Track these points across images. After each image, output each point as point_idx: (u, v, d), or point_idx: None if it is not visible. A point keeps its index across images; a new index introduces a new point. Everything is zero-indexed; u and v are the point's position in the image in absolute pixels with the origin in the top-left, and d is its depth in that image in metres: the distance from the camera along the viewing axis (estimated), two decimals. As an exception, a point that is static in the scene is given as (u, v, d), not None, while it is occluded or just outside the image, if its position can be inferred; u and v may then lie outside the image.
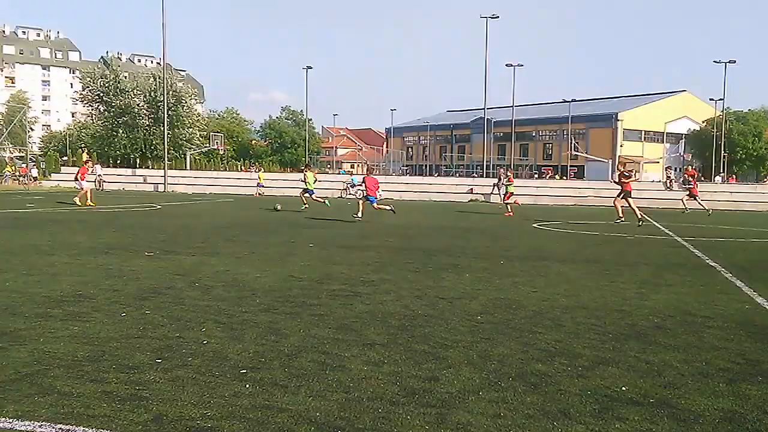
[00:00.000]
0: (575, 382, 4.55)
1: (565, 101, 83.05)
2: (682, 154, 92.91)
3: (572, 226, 20.35)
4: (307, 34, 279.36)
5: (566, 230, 18.80)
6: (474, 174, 72.24)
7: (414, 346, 5.37)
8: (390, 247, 13.09)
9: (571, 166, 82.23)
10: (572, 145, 76.89)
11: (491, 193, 41.06)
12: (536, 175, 75.48)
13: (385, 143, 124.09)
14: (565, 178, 63.52)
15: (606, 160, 66.35)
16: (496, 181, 41.29)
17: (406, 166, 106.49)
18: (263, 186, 42.70)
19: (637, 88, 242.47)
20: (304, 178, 25.93)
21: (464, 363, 4.94)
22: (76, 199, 24.92)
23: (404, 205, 34.78)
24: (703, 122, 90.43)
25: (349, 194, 41.69)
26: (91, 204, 24.75)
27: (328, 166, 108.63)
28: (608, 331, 6.06)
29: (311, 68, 67.95)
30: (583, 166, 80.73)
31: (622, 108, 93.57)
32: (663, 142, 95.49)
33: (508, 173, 30.02)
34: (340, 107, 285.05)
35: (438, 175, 74.11)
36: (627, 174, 21.03)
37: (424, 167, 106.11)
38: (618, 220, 20.51)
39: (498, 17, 53.78)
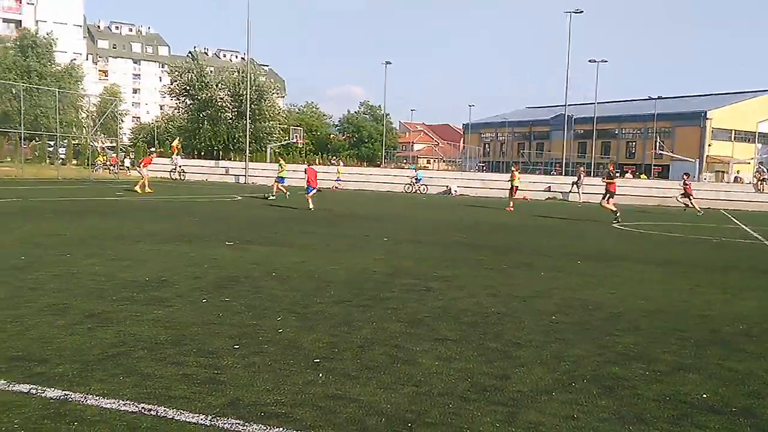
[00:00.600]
0: (652, 387, 4.43)
1: (651, 98, 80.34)
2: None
3: (654, 227, 19.70)
4: (386, 29, 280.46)
5: (648, 231, 18.21)
6: (552, 172, 70.84)
7: (486, 344, 5.34)
8: (463, 243, 13.03)
9: (655, 165, 79.48)
10: (657, 143, 74.30)
11: (570, 191, 40.22)
12: (618, 174, 73.27)
13: (461, 139, 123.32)
14: (645, 176, 61.31)
15: (692, 160, 63.86)
16: (575, 179, 40.47)
17: (483, 162, 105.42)
18: (341, 180, 43.24)
19: (728, 85, 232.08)
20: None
21: (537, 362, 4.88)
22: (137, 188, 26.01)
23: (478, 201, 34.50)
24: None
25: (415, 190, 41.90)
26: (150, 192, 25.78)
27: (405, 161, 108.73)
28: (689, 337, 5.86)
29: (390, 63, 68.26)
30: (668, 165, 77.88)
31: (712, 106, 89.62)
32: (755, 143, 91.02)
33: (513, 169, 30.63)
34: (418, 102, 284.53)
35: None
36: (611, 175, 21.90)
37: (500, 164, 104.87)
38: (615, 221, 20.28)
39: (582, 12, 52.47)
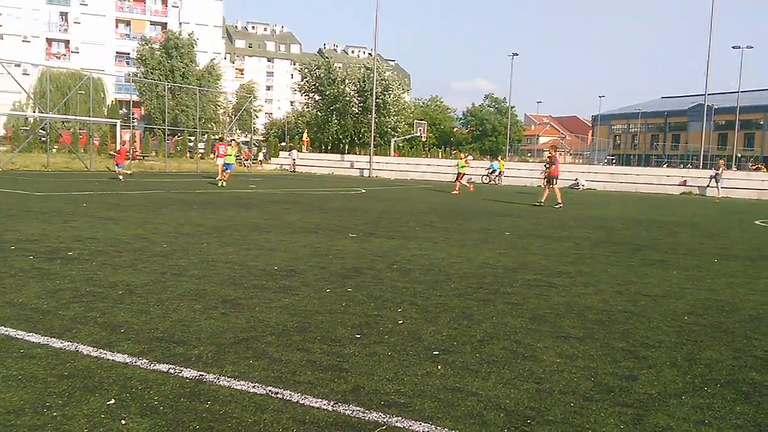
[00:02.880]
0: (796, 396, 4.11)
1: (803, 85, 73.96)
2: None
3: (804, 225, 18.18)
4: (513, 21, 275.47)
5: (796, 229, 16.85)
6: (689, 165, 66.92)
7: (612, 343, 5.17)
8: (590, 239, 12.62)
9: (805, 157, 73.23)
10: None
11: (708, 186, 37.91)
12: (759, 167, 68.15)
13: (590, 131, 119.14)
14: (765, 169, 56.33)
15: None
16: (713, 173, 38.09)
17: (612, 155, 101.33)
18: (503, 174, 43.45)
19: None
20: (238, 153, 26.61)
21: (667, 364, 4.66)
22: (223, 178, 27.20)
23: (607, 196, 33.24)
24: None
25: (491, 181, 42.86)
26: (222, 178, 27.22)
27: (530, 154, 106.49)
28: (841, 344, 5.38)
29: (517, 55, 67.01)
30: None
31: None
32: None
33: (462, 154, 31.82)
34: (544, 94, 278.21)
35: (647, 166, 69.70)
36: (552, 160, 22.35)
37: (632, 157, 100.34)
38: (558, 205, 21.02)
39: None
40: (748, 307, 6.73)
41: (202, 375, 4.07)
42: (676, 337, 5.40)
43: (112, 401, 3.61)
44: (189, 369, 4.16)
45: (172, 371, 4.11)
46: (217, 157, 31.18)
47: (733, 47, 58.79)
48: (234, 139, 32.59)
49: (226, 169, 26.96)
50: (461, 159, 29.83)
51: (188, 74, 67.24)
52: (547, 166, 22.78)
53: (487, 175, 43.55)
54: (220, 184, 26.00)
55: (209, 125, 66.14)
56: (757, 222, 18.56)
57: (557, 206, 20.95)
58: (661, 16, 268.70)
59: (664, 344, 5.19)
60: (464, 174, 29.06)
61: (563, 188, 39.37)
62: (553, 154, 22.94)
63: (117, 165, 28.01)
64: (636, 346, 5.09)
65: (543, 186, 23.39)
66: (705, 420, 3.67)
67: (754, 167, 59.65)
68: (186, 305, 5.82)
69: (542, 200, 22.02)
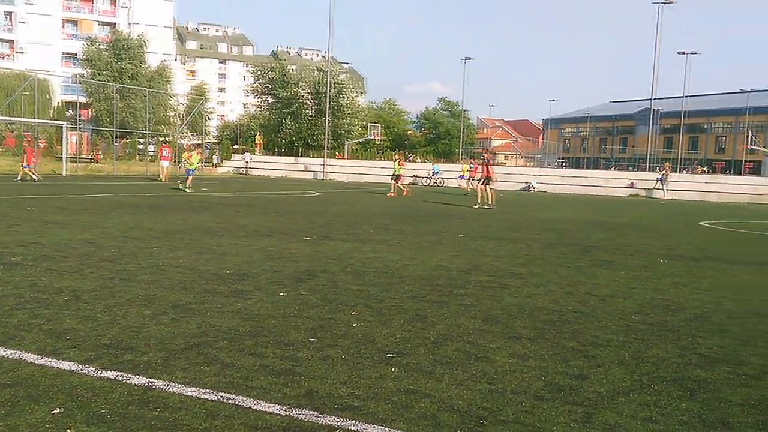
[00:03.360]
0: (738, 391, 4.25)
1: (744, 91, 76.63)
2: None
3: (744, 226, 18.82)
4: (466, 25, 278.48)
5: (738, 230, 17.42)
6: (636, 168, 68.60)
7: (562, 343, 5.25)
8: (541, 240, 12.81)
9: (746, 161, 75.81)
10: (749, 138, 70.81)
11: (654, 188, 38.91)
12: (706, 170, 70.24)
13: (541, 135, 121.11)
14: (707, 171, 58.03)
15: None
16: (660, 175, 39.14)
17: (563, 158, 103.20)
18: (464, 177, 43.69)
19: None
20: (188, 159, 26.78)
21: (615, 363, 4.76)
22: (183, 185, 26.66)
23: (558, 198, 33.84)
24: None
25: (432, 183, 43.65)
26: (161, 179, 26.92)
27: (481, 157, 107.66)
28: (780, 340, 5.58)
29: (470, 59, 67.60)
30: (761, 161, 74.10)
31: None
32: None
33: (397, 155, 32.20)
34: (497, 98, 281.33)
35: (596, 169, 71.19)
36: (488, 161, 23.27)
37: (581, 160, 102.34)
38: (489, 207, 21.55)
39: (672, 2, 50.47)
40: (693, 306, 6.92)
41: (151, 382, 3.98)
42: (624, 336, 5.52)
43: (58, 410, 3.51)
44: (138, 376, 4.08)
45: (120, 378, 4.02)
46: (161, 159, 32.42)
47: (678, 53, 60.59)
48: (200, 144, 31.90)
49: (188, 174, 26.31)
50: (396, 160, 29.73)
51: (138, 75, 65.88)
52: (471, 167, 24.34)
53: (429, 177, 44.32)
54: (182, 188, 25.29)
55: (160, 127, 65.00)
56: (701, 223, 19.13)
57: (489, 208, 21.39)
58: (610, 22, 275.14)
59: (613, 343, 5.29)
60: (402, 176, 29.07)
61: (515, 191, 40.01)
62: (487, 156, 23.83)
63: (25, 166, 27.44)
64: (586, 346, 5.19)
65: (475, 188, 24.17)
66: (652, 417, 3.75)
67: (701, 171, 61.51)
68: (135, 311, 5.70)
69: (479, 202, 22.49)
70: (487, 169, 22.54)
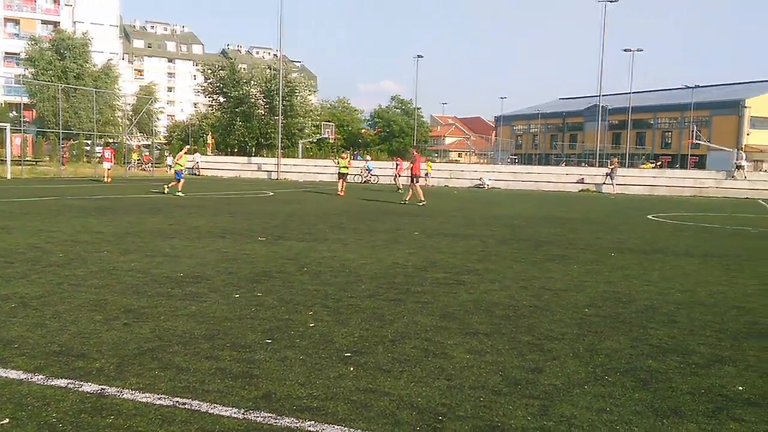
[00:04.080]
0: (688, 380, 4.37)
1: (687, 87, 78.83)
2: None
3: (690, 218, 19.37)
4: (418, 23, 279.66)
5: (684, 222, 17.91)
6: (586, 164, 69.98)
7: (518, 337, 5.32)
8: (495, 236, 12.96)
9: (691, 155, 78.03)
10: (693, 133, 72.90)
11: (603, 183, 39.74)
12: (654, 164, 72.09)
13: (493, 132, 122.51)
14: (654, 165, 59.63)
15: (730, 150, 62.41)
16: (608, 170, 40.01)
17: (515, 155, 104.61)
18: (429, 176, 43.29)
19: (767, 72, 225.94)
20: (177, 160, 26.64)
21: (570, 356, 4.84)
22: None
23: (511, 194, 34.28)
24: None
25: (366, 179, 44.06)
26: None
27: (436, 155, 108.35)
28: (726, 329, 5.76)
29: (422, 57, 67.91)
30: (705, 155, 76.44)
31: (750, 94, 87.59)
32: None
33: (344, 154, 31.67)
34: (449, 96, 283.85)
35: (547, 165, 72.38)
36: (413, 160, 23.39)
37: (533, 156, 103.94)
38: (420, 203, 21.76)
39: (617, 0, 51.61)
40: (644, 297, 7.09)
41: (104, 389, 3.89)
42: (578, 329, 5.62)
43: (7, 420, 3.40)
44: (90, 383, 3.98)
45: (71, 386, 3.91)
46: (104, 161, 33.45)
47: (624, 50, 61.91)
48: (189, 146, 30.99)
49: (178, 177, 25.37)
50: (343, 159, 29.39)
51: (83, 75, 64.23)
52: (396, 165, 25.10)
53: (361, 174, 44.71)
54: (171, 193, 24.41)
55: (107, 128, 63.56)
56: (649, 216, 19.61)
57: (420, 204, 21.65)
58: (558, 19, 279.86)
59: (567, 336, 5.38)
60: (347, 174, 28.75)
61: (469, 188, 40.38)
62: (414, 153, 24.10)
63: None
64: (541, 339, 5.26)
65: (401, 185, 24.76)
66: (606, 408, 3.83)
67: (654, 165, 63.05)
68: (85, 317, 5.56)
69: (407, 199, 22.88)
70: (415, 166, 23.00)
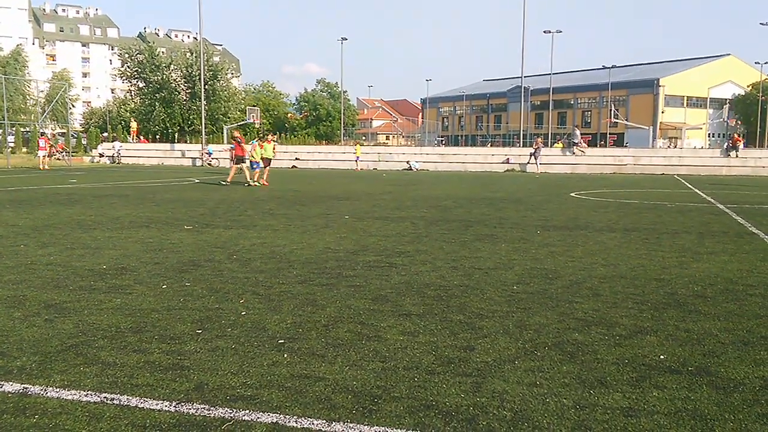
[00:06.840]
0: (612, 351, 4.53)
1: (605, 67, 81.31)
2: (726, 120, 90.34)
3: (611, 195, 20.06)
4: (342, 4, 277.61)
5: (605, 199, 18.54)
6: (511, 144, 71.36)
7: (450, 316, 5.39)
8: (425, 218, 13.08)
9: (610, 133, 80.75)
10: (612, 112, 75.37)
11: (528, 162, 40.64)
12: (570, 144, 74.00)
13: (420, 114, 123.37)
14: (560, 143, 61.36)
15: (646, 127, 64.97)
16: (532, 150, 40.92)
17: (442, 137, 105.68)
18: (361, 160, 42.66)
19: (680, 52, 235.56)
20: (252, 151, 26.49)
21: (500, 332, 4.94)
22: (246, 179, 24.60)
23: (439, 176, 34.65)
24: (748, 87, 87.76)
25: (207, 163, 45.21)
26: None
27: (364, 138, 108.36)
28: (647, 300, 6.00)
29: (346, 40, 67.46)
30: (623, 133, 79.23)
31: (664, 73, 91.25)
32: (706, 108, 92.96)
33: (271, 136, 30.94)
34: (375, 79, 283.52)
35: (474, 146, 73.46)
36: (237, 140, 24.97)
37: (459, 138, 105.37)
38: (247, 184, 23.37)
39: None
40: (568, 273, 7.30)
41: (26, 388, 3.74)
42: (508, 306, 5.75)
43: None
44: (11, 382, 3.81)
45: (-10, 388, 3.73)
46: (39, 150, 36.32)
47: (544, 32, 63.18)
48: (266, 137, 29.00)
49: (253, 168, 24.23)
50: (267, 143, 26.51)
51: (-9, 61, 61.16)
52: (232, 148, 26.15)
53: (201, 158, 45.92)
54: (250, 184, 23.60)
55: (19, 117, 60.70)
56: (572, 194, 20.20)
57: (246, 185, 23.08)
58: (482, 0, 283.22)
59: (497, 314, 5.50)
60: (270, 159, 26.12)
61: (398, 170, 40.59)
62: (237, 136, 25.45)
63: None
64: (472, 318, 5.35)
65: (231, 166, 26.06)
66: (536, 382, 3.93)
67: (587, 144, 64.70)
68: (3, 313, 5.32)
69: (228, 180, 24.30)
70: (240, 148, 24.56)
